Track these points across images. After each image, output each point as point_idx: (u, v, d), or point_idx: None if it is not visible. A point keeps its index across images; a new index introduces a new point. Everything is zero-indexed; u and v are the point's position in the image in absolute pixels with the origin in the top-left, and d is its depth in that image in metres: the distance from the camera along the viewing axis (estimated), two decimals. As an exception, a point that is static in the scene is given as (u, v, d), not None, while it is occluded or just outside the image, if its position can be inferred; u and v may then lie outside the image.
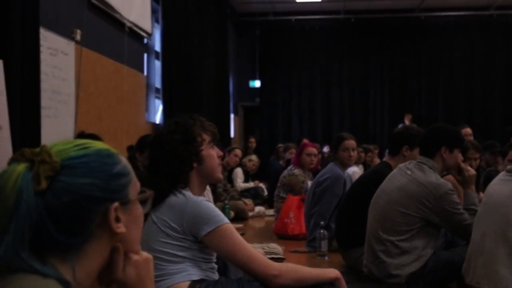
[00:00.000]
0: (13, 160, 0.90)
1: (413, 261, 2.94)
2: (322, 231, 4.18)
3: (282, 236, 5.13)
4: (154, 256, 1.12)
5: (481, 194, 3.33)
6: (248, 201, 7.00)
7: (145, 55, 7.96)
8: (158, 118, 8.51)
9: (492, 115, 13.38)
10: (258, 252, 2.05)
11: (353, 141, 4.75)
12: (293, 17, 13.67)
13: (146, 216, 2.01)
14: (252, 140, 11.77)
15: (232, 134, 12.78)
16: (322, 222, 4.26)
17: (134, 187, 1.01)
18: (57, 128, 4.90)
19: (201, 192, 2.17)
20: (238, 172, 8.11)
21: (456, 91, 13.57)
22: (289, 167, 5.81)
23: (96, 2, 5.85)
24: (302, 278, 1.98)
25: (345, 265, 3.81)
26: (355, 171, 6.46)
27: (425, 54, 13.68)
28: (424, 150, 3.12)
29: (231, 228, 2.02)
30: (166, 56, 8.08)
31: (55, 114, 4.96)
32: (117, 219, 0.95)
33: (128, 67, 6.83)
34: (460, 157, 3.12)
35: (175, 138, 2.09)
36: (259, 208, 7.12)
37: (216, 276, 2.13)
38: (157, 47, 8.46)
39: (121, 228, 0.96)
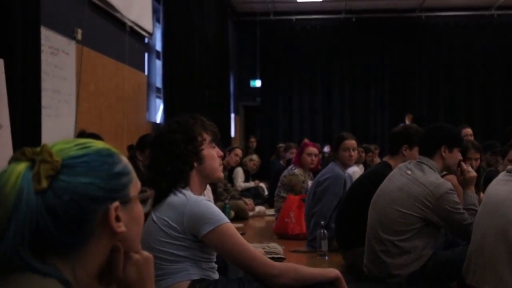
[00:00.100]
0: (13, 159, 0.91)
1: (413, 261, 2.94)
2: (322, 230, 4.18)
3: (282, 235, 5.13)
4: (154, 255, 1.12)
5: (482, 194, 3.33)
6: (249, 201, 7.00)
7: (146, 55, 7.96)
8: (158, 117, 8.52)
9: (493, 115, 13.38)
10: (258, 252, 2.05)
11: (354, 141, 4.74)
12: (294, 17, 13.68)
13: (147, 215, 2.01)
14: (253, 139, 11.77)
15: (232, 134, 12.78)
16: (322, 222, 4.26)
17: (135, 186, 1.01)
18: (57, 128, 4.91)
19: (201, 192, 2.17)
20: (239, 172, 8.12)
21: (456, 91, 13.58)
22: (290, 167, 5.82)
23: (97, 2, 5.85)
24: (303, 277, 1.98)
25: (345, 265, 3.81)
26: (355, 171, 6.46)
27: (425, 54, 13.69)
28: (424, 149, 3.12)
29: (232, 227, 2.02)
30: (167, 55, 8.08)
31: (56, 114, 4.96)
32: (118, 219, 0.95)
33: (129, 67, 6.83)
34: (459, 156, 3.12)
35: (175, 137, 2.09)
36: (259, 208, 7.12)
37: (216, 275, 2.13)
38: (158, 46, 8.46)
39: (121, 228, 0.96)
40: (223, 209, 5.50)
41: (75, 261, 0.91)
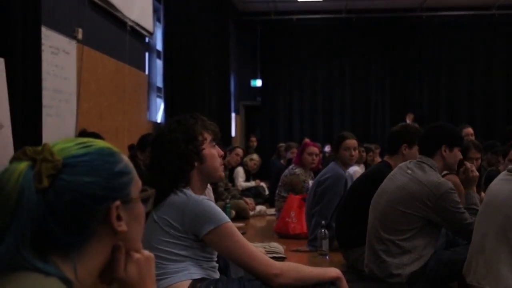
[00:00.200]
0: (15, 159, 0.91)
1: (414, 260, 2.94)
2: (323, 230, 4.18)
3: (283, 235, 5.14)
4: (155, 255, 1.12)
5: (482, 194, 3.33)
6: (249, 200, 7.00)
7: (147, 54, 7.97)
8: (159, 117, 8.52)
9: (494, 115, 13.37)
10: (259, 251, 2.05)
11: (355, 141, 4.74)
12: (294, 17, 13.67)
13: (147, 214, 2.01)
14: (253, 139, 11.77)
15: (233, 133, 12.78)
16: (323, 222, 4.26)
17: (136, 185, 1.01)
18: (58, 127, 4.91)
19: (202, 191, 2.17)
20: (239, 171, 8.12)
21: (457, 91, 13.57)
22: (291, 166, 5.82)
23: (97, 1, 5.85)
24: (303, 277, 1.98)
25: (346, 265, 3.81)
26: (356, 170, 6.46)
27: (426, 54, 13.67)
28: (424, 149, 3.12)
29: (232, 227, 2.02)
30: (168, 55, 8.09)
31: (57, 113, 4.96)
32: (119, 218, 0.95)
33: (129, 66, 6.83)
34: (459, 155, 3.12)
35: (176, 137, 2.09)
36: (260, 207, 7.12)
37: (217, 275, 2.13)
38: (159, 46, 8.46)
39: (122, 227, 0.96)
40: (224, 209, 5.49)
41: (76, 260, 0.91)
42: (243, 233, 2.27)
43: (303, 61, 13.80)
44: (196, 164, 2.11)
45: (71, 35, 5.31)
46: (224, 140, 7.33)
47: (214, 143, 2.19)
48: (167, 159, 2.08)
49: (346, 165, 4.78)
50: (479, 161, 4.07)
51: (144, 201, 1.04)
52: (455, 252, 3.03)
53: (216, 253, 2.11)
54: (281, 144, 9.69)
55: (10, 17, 3.84)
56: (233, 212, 6.27)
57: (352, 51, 13.68)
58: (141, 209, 1.03)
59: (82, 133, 4.86)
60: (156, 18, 8.25)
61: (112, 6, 6.18)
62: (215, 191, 5.39)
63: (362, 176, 4.21)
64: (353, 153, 4.70)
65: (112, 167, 0.96)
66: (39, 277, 0.85)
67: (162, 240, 2.02)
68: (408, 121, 11.87)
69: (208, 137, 2.16)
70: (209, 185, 2.89)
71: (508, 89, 13.36)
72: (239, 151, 7.55)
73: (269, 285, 1.95)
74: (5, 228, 0.85)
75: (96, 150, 0.95)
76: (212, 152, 2.16)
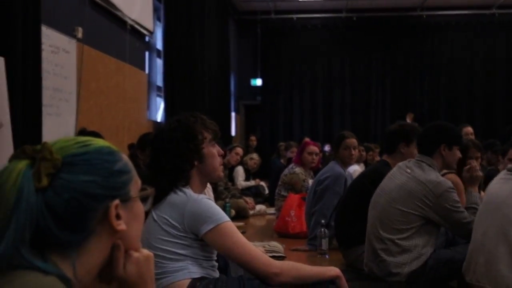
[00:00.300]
0: (14, 157, 0.91)
1: (414, 259, 2.94)
2: (323, 229, 4.18)
3: (283, 234, 5.14)
4: (154, 254, 1.12)
5: (482, 193, 3.33)
6: (249, 200, 7.01)
7: (147, 53, 7.97)
8: (159, 116, 8.52)
9: (494, 114, 13.37)
10: (258, 250, 2.05)
11: (354, 140, 4.74)
12: (294, 16, 13.67)
13: (147, 214, 2.01)
14: (253, 138, 11.76)
15: (233, 133, 12.78)
16: (323, 221, 4.26)
17: (135, 184, 1.01)
18: (58, 126, 4.91)
19: (202, 190, 2.17)
20: (239, 171, 8.12)
21: (457, 90, 13.57)
22: (290, 166, 5.82)
23: (97, 0, 5.85)
24: (303, 276, 1.98)
25: (346, 264, 3.81)
26: (356, 169, 6.45)
27: (426, 53, 13.68)
28: (423, 148, 3.12)
29: (232, 226, 2.02)
30: (168, 54, 8.09)
31: (57, 112, 4.96)
32: (118, 217, 0.95)
33: (129, 65, 6.84)
34: (459, 154, 3.12)
35: (176, 136, 2.09)
36: (260, 207, 7.12)
37: (216, 274, 2.13)
38: (159, 45, 8.46)
39: (121, 226, 0.96)
40: (224, 208, 5.50)
41: (75, 259, 0.91)
42: (242, 232, 2.27)
43: (303, 60, 13.81)
44: (195, 163, 2.11)
45: (71, 34, 5.31)
46: (224, 139, 7.32)
47: (214, 142, 2.19)
48: (167, 158, 2.08)
49: (346, 164, 4.78)
50: (479, 160, 4.07)
51: (144, 200, 1.04)
52: (454, 251, 3.03)
53: (215, 252, 2.11)
54: (281, 143, 9.69)
55: (10, 16, 3.84)
56: (233, 211, 6.27)
57: (352, 51, 13.68)
58: (140, 208, 1.03)
59: (81, 132, 4.86)
60: (156, 17, 8.25)
61: (112, 5, 6.18)
62: (214, 190, 5.39)
63: (361, 175, 4.21)
64: (353, 152, 4.70)
65: (111, 166, 0.96)
66: (38, 276, 0.85)
67: (162, 239, 2.02)
68: (408, 120, 11.87)
69: (208, 136, 2.16)
70: (208, 184, 2.89)
71: (508, 89, 13.36)
72: (239, 150, 7.54)
73: (269, 284, 1.95)
74: (4, 227, 0.85)
75: (96, 149, 0.95)
76: (212, 151, 2.16)
